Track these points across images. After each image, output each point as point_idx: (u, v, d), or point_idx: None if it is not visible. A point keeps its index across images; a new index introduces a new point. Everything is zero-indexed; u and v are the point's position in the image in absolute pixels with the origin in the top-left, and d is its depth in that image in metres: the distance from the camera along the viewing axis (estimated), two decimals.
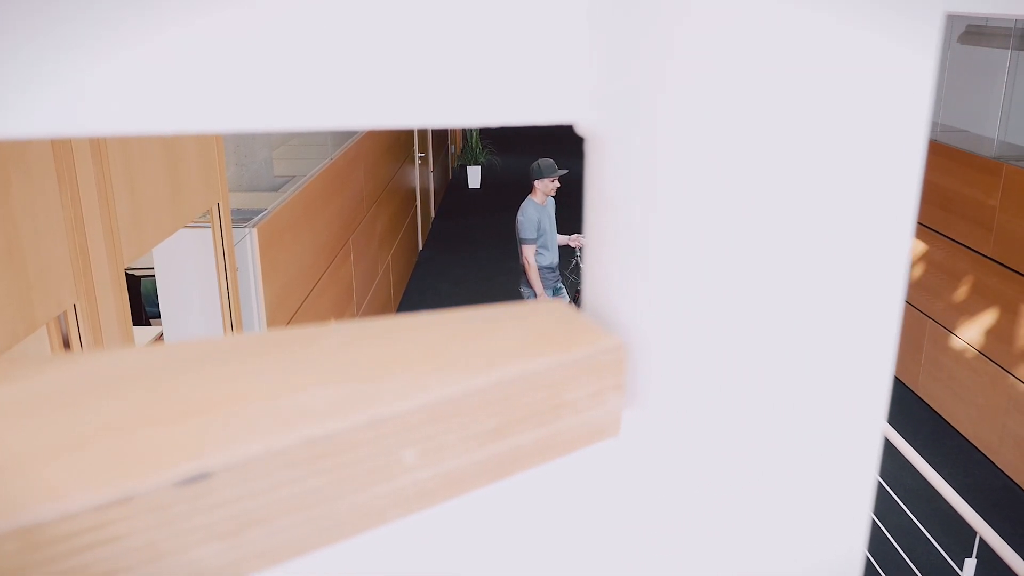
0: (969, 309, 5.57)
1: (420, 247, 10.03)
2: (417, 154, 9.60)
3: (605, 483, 0.35)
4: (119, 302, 2.78)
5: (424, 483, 0.30)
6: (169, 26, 0.29)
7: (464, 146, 13.56)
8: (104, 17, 0.29)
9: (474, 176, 12.91)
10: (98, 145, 2.61)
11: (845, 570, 0.40)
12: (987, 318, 5.40)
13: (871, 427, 0.39)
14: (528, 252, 5.82)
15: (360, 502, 0.28)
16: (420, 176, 9.90)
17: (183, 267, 3.94)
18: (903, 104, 0.34)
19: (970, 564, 3.42)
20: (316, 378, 0.30)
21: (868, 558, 4.44)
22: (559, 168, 5.85)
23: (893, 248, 0.36)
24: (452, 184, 13.11)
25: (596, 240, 0.37)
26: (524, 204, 5.85)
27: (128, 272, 5.29)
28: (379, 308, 6.98)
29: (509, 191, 6.00)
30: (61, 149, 2.40)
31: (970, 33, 6.35)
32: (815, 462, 0.37)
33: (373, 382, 0.30)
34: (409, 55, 0.33)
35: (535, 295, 5.88)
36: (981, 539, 3.42)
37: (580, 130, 0.36)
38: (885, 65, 0.33)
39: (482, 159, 12.94)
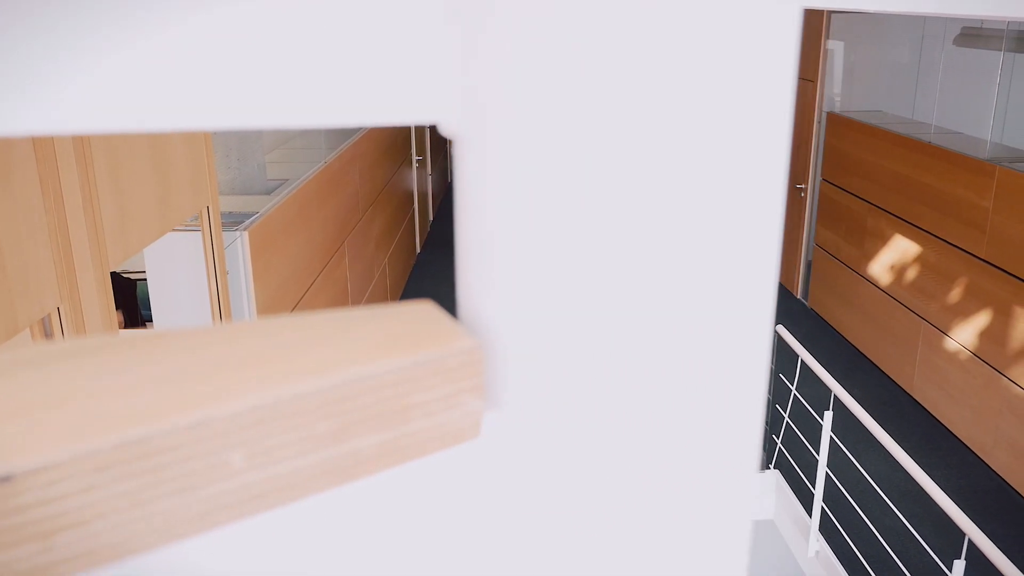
0: (963, 311, 5.56)
1: (418, 250, 10.03)
2: (415, 157, 9.60)
3: (467, 486, 0.35)
4: (104, 305, 2.79)
5: (256, 486, 0.29)
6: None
7: None
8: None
9: None
10: (82, 148, 2.61)
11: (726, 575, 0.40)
12: (981, 320, 5.39)
13: (747, 425, 0.38)
14: None
15: (183, 505, 0.28)
16: (418, 179, 9.90)
17: (174, 270, 3.95)
18: (763, 90, 0.33)
19: (959, 566, 3.41)
20: (149, 379, 0.30)
21: (859, 559, 4.43)
22: None
23: (759, 240, 0.36)
24: (451, 187, 13.11)
25: (460, 242, 0.37)
26: None
27: (124, 275, 5.30)
28: None
29: None
30: (44, 151, 2.41)
31: (965, 35, 6.35)
32: (686, 462, 0.37)
33: (204, 384, 0.29)
34: (265, 53, 0.33)
35: None
36: (970, 541, 3.41)
37: (442, 131, 0.36)
38: (740, 70, 0.32)
39: None
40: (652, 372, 0.35)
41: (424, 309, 0.36)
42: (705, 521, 0.38)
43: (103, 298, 2.79)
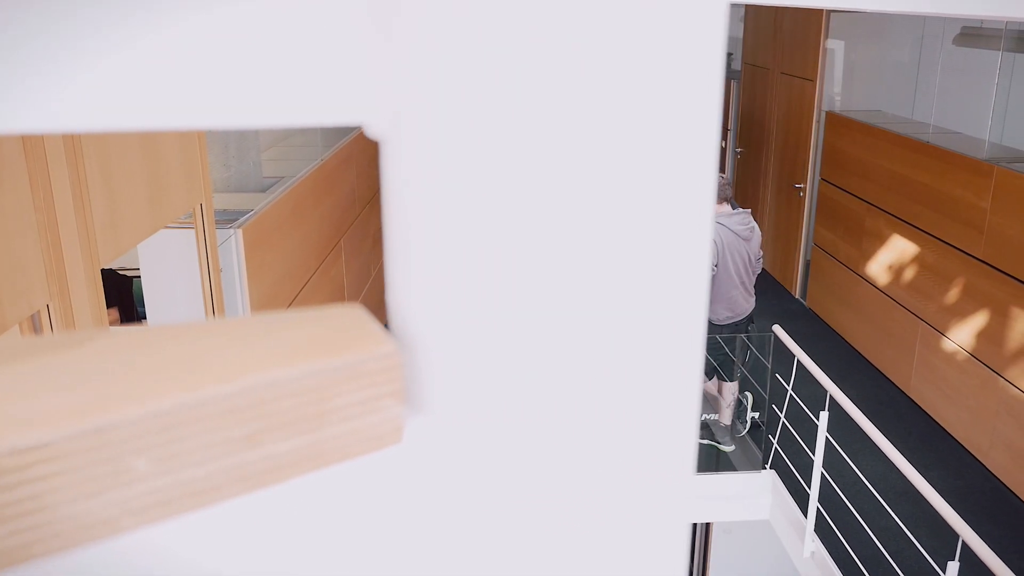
0: (960, 311, 5.55)
1: None
2: None
3: (390, 492, 0.35)
4: (94, 302, 2.78)
5: (163, 492, 0.29)
6: None
7: None
8: None
9: None
10: (72, 145, 2.61)
11: None
12: (978, 320, 5.38)
13: (679, 427, 0.38)
14: None
15: (84, 510, 0.28)
16: None
17: (167, 268, 3.94)
18: (689, 84, 0.33)
19: (953, 567, 3.41)
20: (51, 385, 0.29)
21: (854, 559, 4.43)
22: None
23: (688, 238, 0.35)
24: None
25: (387, 244, 0.36)
26: None
27: (120, 272, 5.30)
28: (373, 308, 6.96)
29: None
30: (33, 149, 2.40)
31: (965, 35, 6.34)
32: (616, 465, 0.37)
33: (109, 388, 0.29)
34: (188, 53, 0.33)
35: None
36: (964, 542, 3.40)
37: (368, 133, 0.35)
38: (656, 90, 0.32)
39: None
40: (579, 376, 0.35)
41: (352, 313, 0.36)
42: (638, 526, 0.38)
43: (94, 295, 2.78)
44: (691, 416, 0.38)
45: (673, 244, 0.35)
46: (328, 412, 0.32)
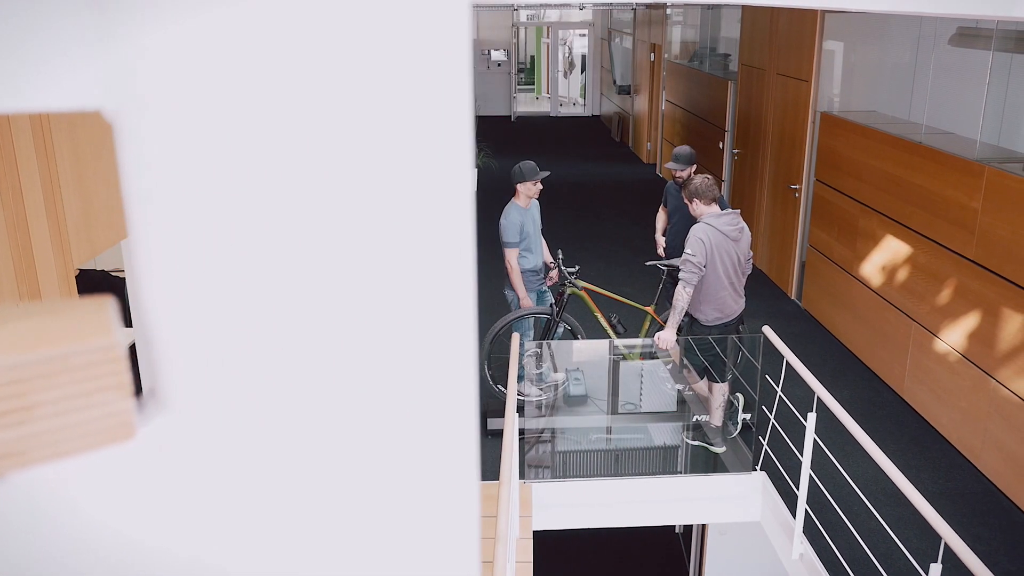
0: (952, 312, 5.53)
1: None
2: None
3: (115, 489, 0.34)
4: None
5: None
6: None
7: None
8: None
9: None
10: (43, 143, 2.60)
11: None
12: (969, 321, 5.35)
13: (454, 423, 0.37)
14: (511, 256, 5.80)
15: None
16: None
17: None
18: (433, 84, 0.32)
19: (935, 569, 3.38)
20: None
21: (839, 560, 4.41)
22: (540, 170, 5.82)
23: (443, 231, 0.34)
24: None
25: (129, 236, 0.35)
26: (507, 208, 5.83)
27: (113, 274, 5.30)
28: None
29: (505, 194, 5.99)
30: (2, 147, 2.40)
31: (962, 35, 6.31)
32: (375, 466, 0.36)
33: None
34: None
35: (518, 298, 5.86)
36: (946, 544, 3.38)
37: (105, 118, 0.34)
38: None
39: (478, 162, 12.93)
40: (326, 372, 0.34)
41: (97, 303, 0.35)
42: (394, 524, 0.37)
43: (67, 296, 2.78)
44: (467, 416, 0.37)
45: (427, 242, 0.34)
46: (38, 405, 0.31)
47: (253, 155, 0.31)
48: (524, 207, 5.84)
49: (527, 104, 22.90)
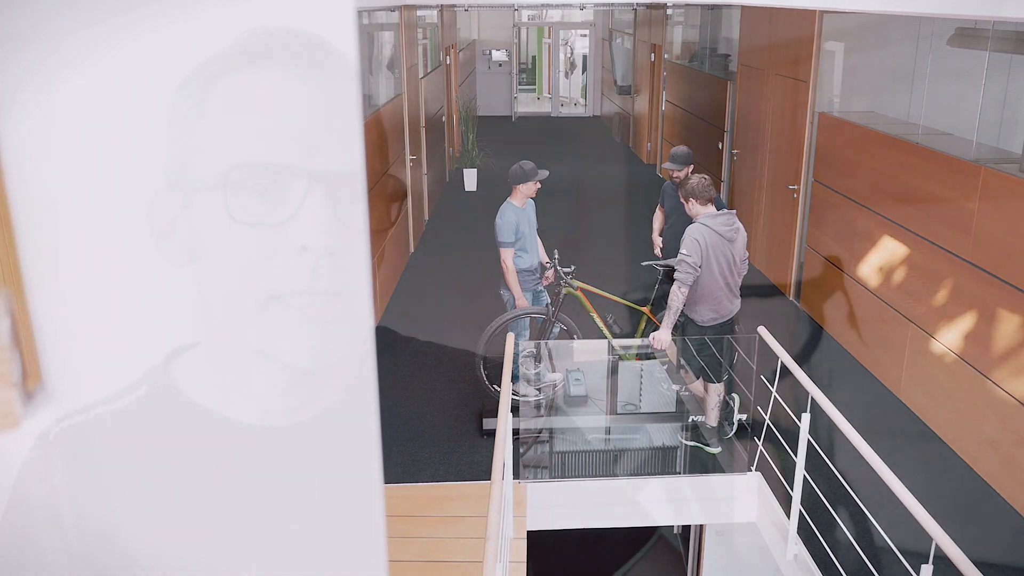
0: (948, 313, 5.52)
1: (412, 249, 10.03)
2: (408, 156, 9.60)
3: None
4: None
5: None
6: None
7: (461, 148, 13.56)
8: None
9: (470, 178, 12.91)
10: None
11: None
12: (966, 323, 5.34)
13: (356, 423, 0.37)
14: (506, 256, 5.79)
15: None
16: (412, 178, 9.90)
17: None
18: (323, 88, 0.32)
19: (926, 570, 3.37)
20: None
21: (833, 561, 4.40)
22: (540, 170, 5.81)
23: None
24: (449, 186, 13.11)
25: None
26: (503, 207, 5.82)
27: None
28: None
29: (505, 193, 5.98)
30: None
31: (961, 35, 6.29)
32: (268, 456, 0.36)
33: None
34: None
35: (513, 299, 5.86)
36: (937, 545, 3.37)
37: None
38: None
39: (478, 162, 12.93)
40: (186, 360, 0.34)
41: None
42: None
43: None
44: (367, 420, 0.37)
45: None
46: None
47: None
48: (520, 206, 5.84)
49: (528, 104, 22.89)
